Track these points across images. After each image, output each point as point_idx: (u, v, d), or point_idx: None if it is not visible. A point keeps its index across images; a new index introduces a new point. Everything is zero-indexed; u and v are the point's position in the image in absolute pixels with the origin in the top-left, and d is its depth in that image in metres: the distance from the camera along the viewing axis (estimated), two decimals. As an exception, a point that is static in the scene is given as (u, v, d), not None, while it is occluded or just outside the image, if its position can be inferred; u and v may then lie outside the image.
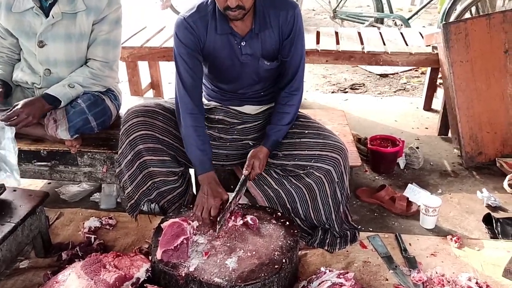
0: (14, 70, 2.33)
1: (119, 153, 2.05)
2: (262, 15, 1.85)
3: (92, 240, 2.10)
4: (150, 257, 1.78)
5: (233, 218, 1.87)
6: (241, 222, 1.86)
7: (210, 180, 1.90)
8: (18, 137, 2.26)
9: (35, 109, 2.07)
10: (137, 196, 2.07)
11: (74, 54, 2.22)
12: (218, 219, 1.79)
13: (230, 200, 1.85)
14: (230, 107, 2.11)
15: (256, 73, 1.99)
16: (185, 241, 1.70)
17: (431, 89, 3.56)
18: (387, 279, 1.88)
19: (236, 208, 1.90)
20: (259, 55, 1.92)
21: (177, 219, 1.78)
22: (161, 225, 1.81)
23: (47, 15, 2.14)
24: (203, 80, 2.15)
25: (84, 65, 2.25)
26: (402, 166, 2.78)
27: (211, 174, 1.92)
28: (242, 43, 1.88)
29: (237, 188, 1.88)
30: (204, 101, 2.17)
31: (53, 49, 2.19)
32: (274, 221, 1.90)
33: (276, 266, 1.66)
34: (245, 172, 1.89)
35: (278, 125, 1.96)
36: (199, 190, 1.92)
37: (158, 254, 1.69)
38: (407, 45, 3.21)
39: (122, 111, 2.38)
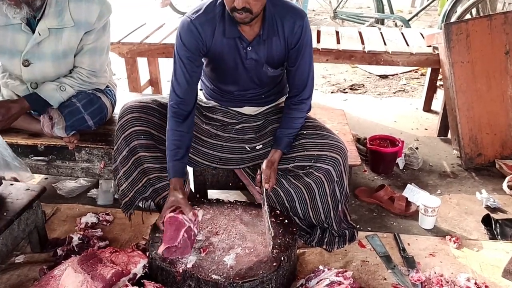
0: (4, 81, 2.24)
1: (114, 149, 2.04)
2: (271, 22, 1.83)
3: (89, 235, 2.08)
4: (147, 253, 1.77)
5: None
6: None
7: (172, 186, 1.87)
8: (15, 131, 2.25)
9: (10, 113, 2.02)
10: (132, 193, 2.05)
11: (63, 68, 2.16)
12: (268, 237, 1.75)
13: (265, 220, 1.82)
14: (230, 108, 2.10)
15: (259, 78, 1.97)
16: (185, 234, 1.69)
17: (431, 90, 3.56)
18: (385, 279, 1.87)
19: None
20: (263, 61, 1.90)
21: (171, 214, 1.75)
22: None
23: (33, 31, 2.05)
24: (203, 79, 2.14)
25: (73, 70, 2.19)
26: (401, 166, 2.78)
27: (173, 180, 1.87)
28: (248, 48, 1.86)
29: (264, 206, 1.84)
30: (203, 99, 2.16)
31: (40, 68, 2.11)
32: (272, 219, 1.88)
33: (274, 264, 1.65)
34: (267, 186, 1.85)
35: (290, 128, 1.97)
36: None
37: (161, 249, 1.67)
38: (408, 45, 3.20)
39: (119, 106, 2.37)
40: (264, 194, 1.86)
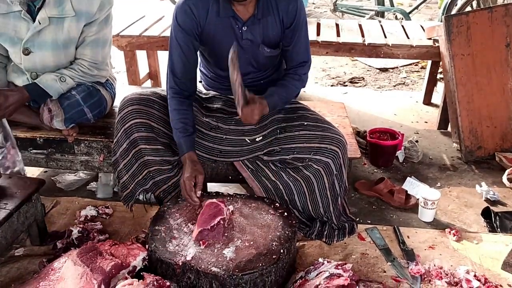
0: (8, 71, 2.25)
1: (114, 141, 2.03)
2: (266, 1, 1.83)
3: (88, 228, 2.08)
4: (147, 246, 1.76)
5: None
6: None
7: (188, 160, 1.88)
8: (14, 124, 2.24)
9: (8, 102, 2.01)
10: (132, 185, 2.05)
11: (63, 58, 2.15)
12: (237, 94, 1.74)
13: (234, 78, 1.75)
14: (229, 96, 2.09)
15: (255, 60, 1.96)
16: (221, 222, 1.72)
17: (431, 83, 3.55)
18: (385, 271, 1.88)
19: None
20: (259, 41, 1.90)
21: (214, 200, 1.79)
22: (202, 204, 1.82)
23: (34, 20, 2.04)
24: (202, 69, 2.13)
25: (74, 62, 2.18)
26: (401, 159, 2.77)
27: (189, 154, 1.89)
28: (243, 28, 1.86)
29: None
30: (203, 90, 2.16)
31: (40, 57, 2.10)
32: (272, 212, 1.88)
33: (274, 256, 1.65)
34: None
35: (282, 88, 1.93)
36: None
37: (195, 233, 1.69)
38: (408, 38, 3.19)
39: (118, 100, 2.36)
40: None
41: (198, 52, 1.97)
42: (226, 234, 1.74)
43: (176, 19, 1.86)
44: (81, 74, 2.17)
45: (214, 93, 2.10)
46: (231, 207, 1.86)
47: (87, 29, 2.12)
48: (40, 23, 2.03)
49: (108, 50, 2.26)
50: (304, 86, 2.03)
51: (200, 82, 2.20)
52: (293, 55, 1.96)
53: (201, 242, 1.69)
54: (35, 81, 2.10)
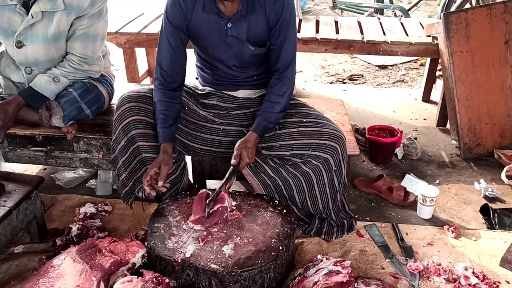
0: (1, 63, 2.25)
1: (113, 139, 2.03)
2: None
3: (88, 226, 2.08)
4: (146, 243, 1.77)
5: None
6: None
7: (161, 150, 1.89)
8: (13, 122, 2.24)
9: (8, 116, 2.02)
10: (131, 183, 2.05)
11: (55, 52, 2.14)
12: (208, 202, 1.79)
13: (217, 189, 1.83)
14: (224, 92, 2.09)
15: (241, 57, 1.95)
16: (220, 208, 1.78)
17: (430, 80, 3.55)
18: (383, 268, 1.88)
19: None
20: (244, 39, 1.89)
21: (203, 190, 1.85)
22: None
23: (28, 13, 2.04)
24: (198, 64, 2.13)
25: (65, 58, 2.17)
26: (400, 156, 2.78)
27: (164, 145, 1.90)
28: (228, 25, 1.86)
29: (225, 177, 1.85)
30: (199, 86, 2.15)
31: (32, 50, 2.10)
32: (271, 209, 1.88)
33: (272, 253, 1.65)
34: (233, 161, 1.84)
35: (268, 112, 1.92)
36: None
37: (191, 220, 1.76)
38: (407, 35, 3.19)
39: (116, 96, 2.36)
40: (230, 169, 1.85)
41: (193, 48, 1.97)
42: (227, 222, 1.77)
43: (166, 12, 1.89)
44: (72, 71, 2.16)
45: (210, 89, 2.10)
46: (233, 203, 1.86)
47: (77, 22, 2.10)
48: (33, 17, 2.04)
49: (99, 45, 2.23)
50: (292, 90, 1.97)
51: (197, 78, 2.19)
52: (279, 56, 1.91)
53: (200, 239, 1.69)
54: (30, 85, 2.10)
